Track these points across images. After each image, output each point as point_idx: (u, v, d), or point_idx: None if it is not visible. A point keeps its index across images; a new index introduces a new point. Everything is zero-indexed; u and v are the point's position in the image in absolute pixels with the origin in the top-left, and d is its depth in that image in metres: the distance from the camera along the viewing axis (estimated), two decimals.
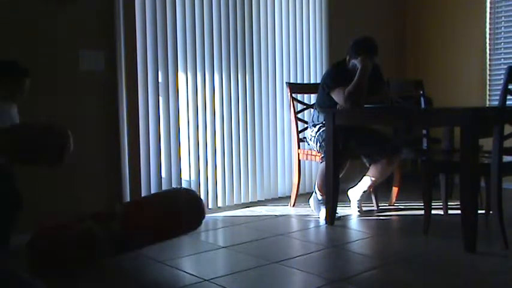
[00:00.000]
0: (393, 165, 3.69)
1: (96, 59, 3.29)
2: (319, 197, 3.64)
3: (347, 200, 3.87)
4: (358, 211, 3.73)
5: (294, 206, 3.98)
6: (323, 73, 4.43)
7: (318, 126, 3.70)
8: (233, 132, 3.98)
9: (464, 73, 4.90)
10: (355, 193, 3.78)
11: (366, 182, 3.72)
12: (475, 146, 2.69)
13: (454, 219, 3.33)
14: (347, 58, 3.60)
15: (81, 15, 3.22)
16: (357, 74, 3.43)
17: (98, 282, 2.44)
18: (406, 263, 2.61)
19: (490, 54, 4.76)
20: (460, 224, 2.74)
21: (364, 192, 3.74)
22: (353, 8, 4.74)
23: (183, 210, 2.74)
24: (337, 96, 3.51)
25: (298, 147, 3.95)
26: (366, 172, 3.73)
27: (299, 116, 4.04)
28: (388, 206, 3.96)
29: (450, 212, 3.58)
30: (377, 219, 3.62)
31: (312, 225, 3.48)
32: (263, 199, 4.19)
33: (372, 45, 3.50)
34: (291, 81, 4.29)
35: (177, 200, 2.78)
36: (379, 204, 3.91)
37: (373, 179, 3.68)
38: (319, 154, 3.69)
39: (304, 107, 4.14)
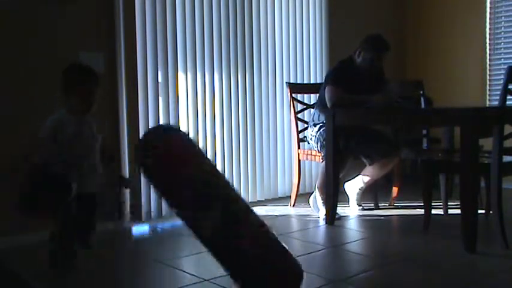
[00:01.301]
0: (391, 165, 3.69)
1: (96, 59, 3.28)
2: (320, 197, 3.64)
3: (347, 200, 3.87)
4: (359, 208, 3.75)
5: (294, 206, 3.98)
6: (323, 73, 4.44)
7: (318, 126, 3.70)
8: (233, 132, 3.98)
9: (464, 73, 4.90)
10: (352, 189, 3.80)
11: (362, 180, 3.73)
12: (475, 146, 2.69)
13: (454, 219, 3.33)
14: (357, 53, 3.60)
15: (81, 16, 3.22)
16: (366, 101, 3.42)
17: (98, 282, 2.43)
18: (406, 262, 2.62)
19: (490, 54, 4.76)
20: (460, 224, 2.74)
21: (360, 189, 3.77)
22: (353, 8, 4.74)
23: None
24: (328, 92, 3.52)
25: (298, 147, 3.95)
26: (363, 169, 3.75)
27: (299, 116, 4.04)
28: (388, 205, 3.96)
29: (450, 212, 3.58)
30: (377, 219, 3.62)
31: (312, 225, 3.48)
32: (263, 199, 4.19)
33: (385, 42, 3.54)
34: (291, 81, 4.29)
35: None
36: (379, 204, 3.91)
37: (369, 177, 3.70)
38: (319, 154, 3.69)
39: (304, 107, 4.14)
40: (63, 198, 2.27)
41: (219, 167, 3.89)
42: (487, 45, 4.76)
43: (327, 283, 2.33)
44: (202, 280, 2.36)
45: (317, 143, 3.70)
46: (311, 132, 3.79)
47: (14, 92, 3.02)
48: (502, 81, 2.97)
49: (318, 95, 3.83)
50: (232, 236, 1.85)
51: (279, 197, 4.28)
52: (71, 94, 2.40)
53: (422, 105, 4.01)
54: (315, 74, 4.51)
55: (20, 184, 2.28)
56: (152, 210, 3.56)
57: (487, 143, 2.96)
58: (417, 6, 5.22)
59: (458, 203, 2.78)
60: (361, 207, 3.80)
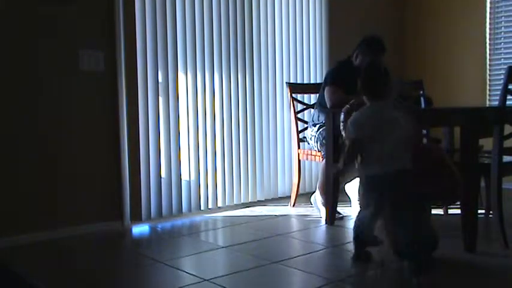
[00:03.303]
0: None
1: (96, 59, 3.29)
2: (320, 197, 3.64)
3: (348, 200, 3.87)
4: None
5: (294, 206, 3.98)
6: (323, 73, 4.44)
7: (318, 126, 3.71)
8: (233, 132, 3.98)
9: (464, 73, 4.90)
10: (353, 190, 3.80)
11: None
12: (475, 146, 2.69)
13: (454, 219, 3.33)
14: (354, 54, 3.61)
15: (81, 15, 3.22)
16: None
17: (98, 282, 2.44)
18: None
19: (490, 54, 4.76)
20: (460, 224, 2.74)
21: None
22: (353, 9, 4.74)
23: None
24: (327, 93, 3.53)
25: (298, 147, 3.96)
26: None
27: (299, 116, 4.05)
28: None
29: (450, 212, 3.58)
30: None
31: (312, 225, 3.48)
32: (263, 199, 4.19)
33: (382, 43, 3.54)
34: (291, 81, 4.29)
35: None
36: None
37: None
38: (319, 154, 3.70)
39: (304, 107, 4.14)
40: None
41: (219, 167, 3.90)
42: (487, 45, 4.76)
43: (327, 283, 2.33)
44: (202, 280, 2.36)
45: (317, 142, 3.71)
46: (311, 132, 3.79)
47: (14, 91, 3.02)
48: (502, 81, 2.97)
49: (317, 95, 3.83)
50: None
51: (279, 197, 4.28)
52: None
53: (422, 105, 4.01)
54: (315, 74, 4.51)
55: None
56: (152, 210, 3.56)
57: (487, 143, 2.96)
58: (417, 6, 5.22)
59: (458, 203, 2.78)
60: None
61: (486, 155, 3.12)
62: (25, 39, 3.04)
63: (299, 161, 3.97)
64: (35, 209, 3.08)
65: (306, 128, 3.96)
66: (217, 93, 3.89)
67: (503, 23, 4.72)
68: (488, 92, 4.78)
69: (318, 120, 3.72)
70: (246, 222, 3.57)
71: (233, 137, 3.98)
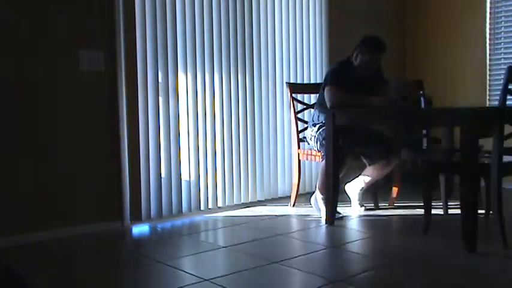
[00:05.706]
0: (391, 166, 3.70)
1: (96, 59, 3.29)
2: (320, 197, 3.64)
3: (348, 200, 3.88)
4: (362, 209, 3.76)
5: (294, 206, 3.98)
6: (323, 73, 4.44)
7: (318, 126, 3.70)
8: (233, 132, 3.98)
9: (464, 73, 4.90)
10: (353, 190, 3.81)
11: (363, 180, 3.74)
12: (475, 146, 2.69)
13: (454, 219, 3.33)
14: (354, 54, 3.61)
15: (81, 15, 3.22)
16: (366, 101, 3.43)
17: (98, 282, 2.44)
18: (406, 263, 2.61)
19: (490, 54, 4.76)
20: (460, 224, 2.74)
21: (361, 190, 3.78)
22: (353, 8, 4.74)
23: None
24: (327, 93, 3.52)
25: (298, 147, 3.96)
26: (364, 170, 3.77)
27: (299, 116, 4.04)
28: (388, 206, 3.96)
29: (450, 212, 3.58)
30: (377, 219, 3.62)
31: (312, 225, 3.48)
32: (263, 199, 4.18)
33: (381, 43, 3.53)
34: (291, 81, 4.29)
35: None
36: (379, 204, 3.91)
37: (370, 178, 3.71)
38: (319, 154, 3.70)
39: (304, 107, 4.14)
40: None
41: (219, 167, 3.90)
42: (487, 45, 4.76)
43: (327, 283, 2.33)
44: (202, 280, 2.36)
45: (316, 143, 3.71)
46: (311, 132, 3.79)
47: (14, 91, 3.02)
48: (502, 81, 2.97)
49: (317, 95, 3.83)
50: None
51: (279, 197, 4.28)
52: None
53: (422, 105, 4.01)
54: (315, 74, 4.51)
55: None
56: (152, 210, 3.56)
57: (487, 143, 2.96)
58: (417, 6, 5.22)
59: (458, 203, 2.78)
60: (363, 208, 3.80)
61: (486, 155, 3.12)
62: (25, 39, 3.04)
63: (299, 161, 3.97)
64: (35, 209, 3.08)
65: (306, 128, 3.96)
66: (217, 93, 3.89)
67: (503, 23, 4.71)
68: (488, 92, 4.78)
69: (318, 120, 3.72)
70: (246, 222, 3.57)
71: (233, 137, 3.98)
